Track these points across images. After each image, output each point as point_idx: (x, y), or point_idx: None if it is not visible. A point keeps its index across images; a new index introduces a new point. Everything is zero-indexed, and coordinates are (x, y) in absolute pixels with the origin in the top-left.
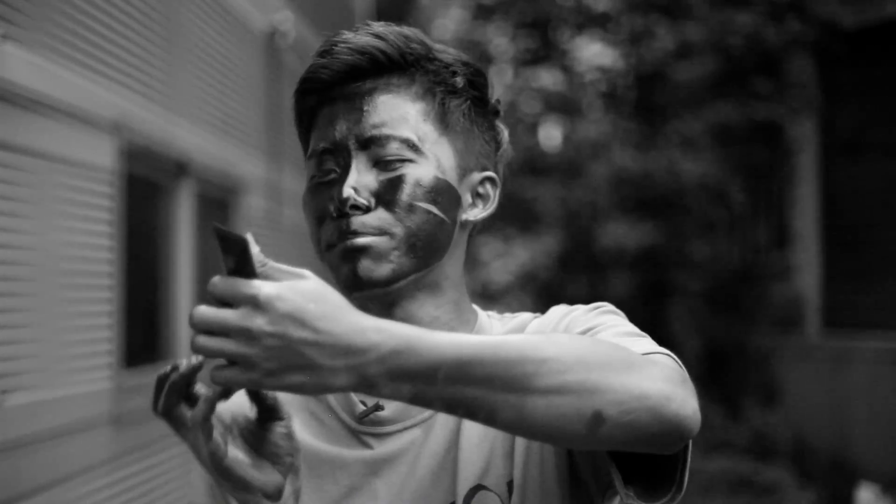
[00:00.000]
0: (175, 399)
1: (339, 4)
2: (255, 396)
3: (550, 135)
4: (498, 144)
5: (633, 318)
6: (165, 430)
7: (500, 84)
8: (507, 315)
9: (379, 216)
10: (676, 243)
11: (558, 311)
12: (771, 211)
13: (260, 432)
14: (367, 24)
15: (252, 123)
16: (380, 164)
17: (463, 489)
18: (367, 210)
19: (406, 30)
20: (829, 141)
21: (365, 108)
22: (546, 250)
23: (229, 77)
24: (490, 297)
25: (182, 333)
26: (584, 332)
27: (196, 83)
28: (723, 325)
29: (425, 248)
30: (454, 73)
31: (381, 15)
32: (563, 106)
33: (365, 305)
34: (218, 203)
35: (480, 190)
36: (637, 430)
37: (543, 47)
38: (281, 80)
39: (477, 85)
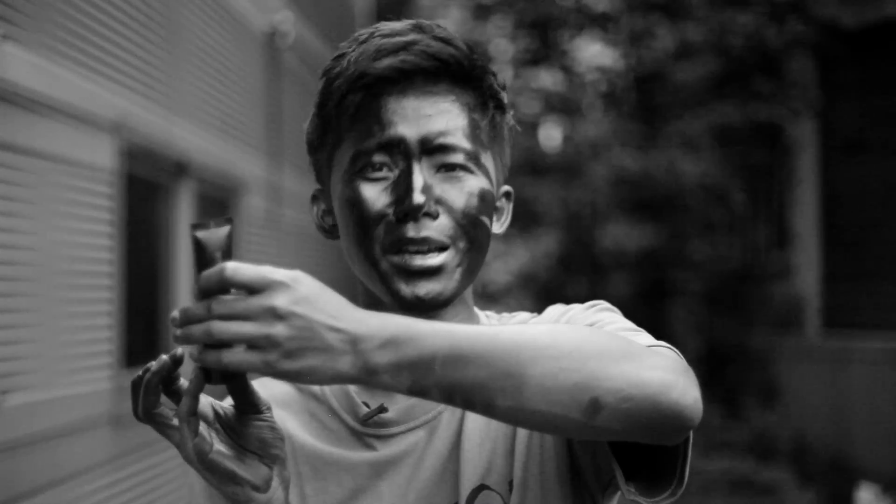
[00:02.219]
0: (154, 399)
1: (339, 4)
2: (234, 389)
3: (550, 135)
4: (509, 156)
5: (634, 319)
6: None
7: None
8: (506, 315)
9: (448, 225)
10: (676, 244)
11: (555, 310)
12: (771, 211)
13: (242, 426)
14: (429, 27)
15: (252, 123)
16: (441, 171)
17: (466, 490)
18: (435, 217)
19: (474, 52)
20: (829, 141)
21: (428, 112)
22: (546, 251)
23: (229, 77)
24: (490, 297)
25: None
26: None
27: (196, 83)
28: (723, 325)
29: (477, 263)
30: (501, 88)
31: (381, 15)
32: (563, 106)
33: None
34: (218, 203)
35: (499, 204)
36: (636, 419)
37: (543, 47)
38: (281, 80)
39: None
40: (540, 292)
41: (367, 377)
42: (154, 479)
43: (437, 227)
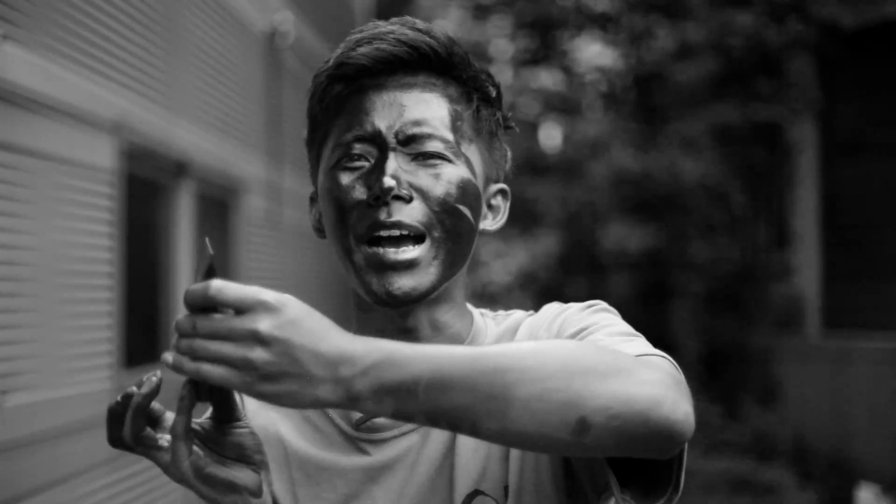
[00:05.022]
0: (142, 422)
1: (339, 5)
2: (218, 400)
3: (550, 135)
4: (506, 159)
5: (634, 320)
6: None
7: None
8: (501, 313)
9: (422, 211)
10: (677, 244)
11: (551, 309)
12: (771, 211)
13: (221, 435)
14: (411, 20)
15: (252, 123)
16: (418, 160)
17: (460, 495)
18: (408, 201)
19: (464, 51)
20: (829, 141)
21: (405, 103)
22: (546, 251)
23: (229, 77)
24: (490, 298)
25: None
26: (576, 333)
27: (196, 83)
28: (723, 325)
29: (456, 255)
30: (486, 83)
31: (381, 15)
32: (563, 106)
33: (379, 313)
34: (218, 203)
35: (493, 202)
36: (626, 436)
37: (543, 47)
38: (281, 80)
39: (501, 98)
40: (540, 292)
41: (349, 403)
42: (154, 479)
43: (410, 212)
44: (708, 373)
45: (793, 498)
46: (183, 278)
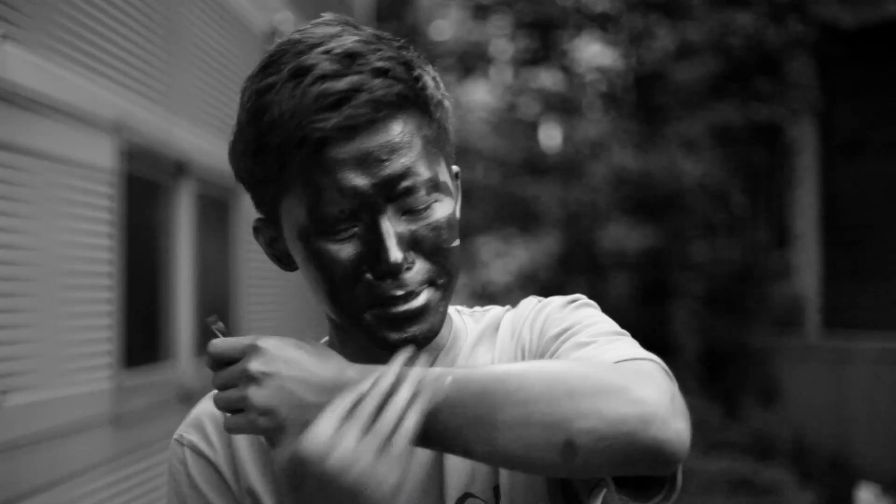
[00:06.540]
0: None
1: (339, 5)
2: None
3: (550, 135)
4: (452, 135)
5: (634, 320)
6: (165, 431)
7: (500, 84)
8: (478, 310)
9: (424, 269)
10: (677, 244)
11: (530, 303)
12: (771, 211)
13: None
14: (371, 44)
15: None
16: (409, 213)
17: (451, 498)
18: (411, 267)
19: (401, 51)
20: (829, 141)
21: (382, 156)
22: (546, 251)
23: (229, 77)
24: (490, 298)
25: (182, 333)
26: (561, 332)
27: (196, 83)
28: (723, 325)
29: (454, 284)
30: (438, 91)
31: (380, 15)
32: (563, 106)
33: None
34: (218, 203)
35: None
36: (616, 457)
37: (543, 47)
38: None
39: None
40: (540, 292)
41: None
42: (154, 479)
43: (415, 277)
44: (708, 373)
45: (793, 498)
46: (183, 278)
